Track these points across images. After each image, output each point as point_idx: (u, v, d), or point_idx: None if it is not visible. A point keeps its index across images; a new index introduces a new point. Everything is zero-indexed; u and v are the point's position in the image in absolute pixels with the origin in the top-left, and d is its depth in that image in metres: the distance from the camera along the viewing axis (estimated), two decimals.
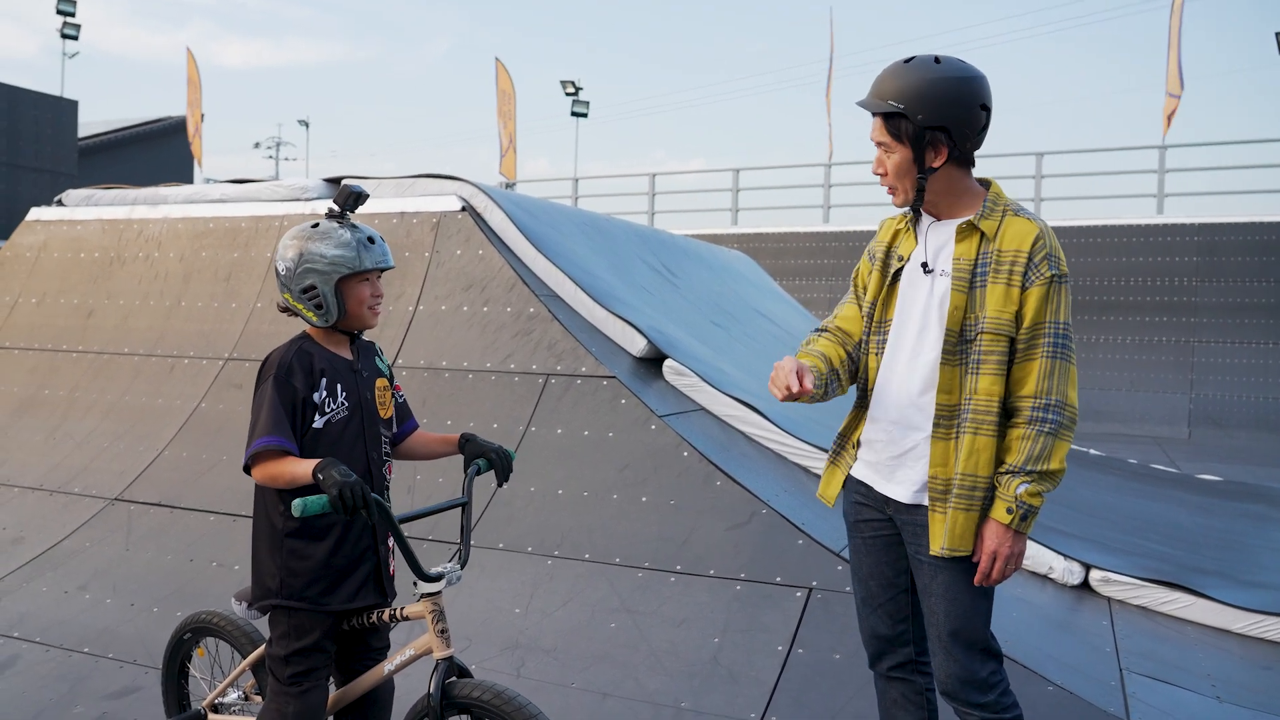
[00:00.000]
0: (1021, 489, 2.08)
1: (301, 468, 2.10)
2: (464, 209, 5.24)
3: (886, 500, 2.29)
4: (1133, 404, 12.95)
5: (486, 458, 2.44)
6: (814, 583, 3.50)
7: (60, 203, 6.59)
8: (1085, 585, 4.18)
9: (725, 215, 18.60)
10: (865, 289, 2.39)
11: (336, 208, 2.33)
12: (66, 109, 19.72)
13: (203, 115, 23.14)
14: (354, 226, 2.31)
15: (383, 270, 2.35)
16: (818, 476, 4.39)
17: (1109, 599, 4.11)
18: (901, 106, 2.15)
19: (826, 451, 4.39)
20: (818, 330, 2.46)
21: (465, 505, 2.39)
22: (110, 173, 22.55)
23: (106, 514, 4.64)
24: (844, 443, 2.42)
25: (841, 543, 3.70)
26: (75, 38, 23.52)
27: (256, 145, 66.92)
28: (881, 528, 2.33)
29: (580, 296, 4.93)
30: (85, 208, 6.43)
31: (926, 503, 2.20)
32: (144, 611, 3.91)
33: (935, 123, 2.14)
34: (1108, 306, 13.75)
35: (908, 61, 2.18)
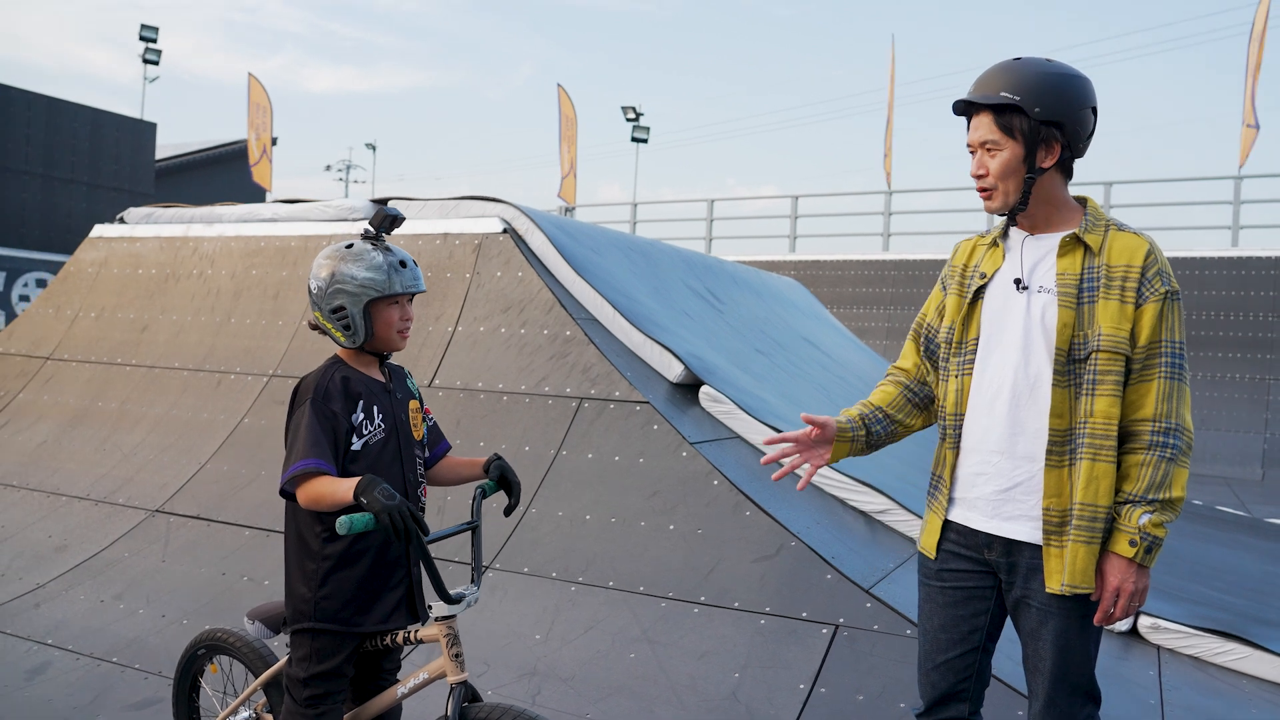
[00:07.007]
0: (1144, 519, 1.96)
1: (343, 488, 2.07)
2: (505, 231, 5.26)
3: (990, 542, 2.13)
4: (1202, 443, 12.45)
5: (508, 481, 2.44)
6: (841, 619, 3.39)
7: (122, 220, 6.78)
8: (1134, 632, 3.99)
9: (783, 242, 18.47)
10: (940, 316, 2.28)
11: (373, 230, 2.33)
12: (145, 131, 20.39)
13: (275, 139, 23.74)
14: (388, 249, 2.30)
15: (414, 294, 2.34)
16: (854, 509, 4.28)
17: (1158, 647, 3.91)
18: (1017, 99, 2.05)
19: (864, 484, 4.30)
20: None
21: (476, 528, 2.38)
22: (187, 193, 23.26)
23: (146, 525, 4.72)
24: (939, 484, 2.25)
25: (873, 579, 3.58)
26: (156, 62, 24.45)
27: (328, 168, 68.50)
28: (966, 578, 2.17)
29: (618, 320, 4.90)
30: (145, 225, 6.62)
31: (1040, 539, 2.05)
32: (174, 623, 3.95)
33: (1051, 118, 2.05)
34: None
35: (1017, 60, 2.11)
